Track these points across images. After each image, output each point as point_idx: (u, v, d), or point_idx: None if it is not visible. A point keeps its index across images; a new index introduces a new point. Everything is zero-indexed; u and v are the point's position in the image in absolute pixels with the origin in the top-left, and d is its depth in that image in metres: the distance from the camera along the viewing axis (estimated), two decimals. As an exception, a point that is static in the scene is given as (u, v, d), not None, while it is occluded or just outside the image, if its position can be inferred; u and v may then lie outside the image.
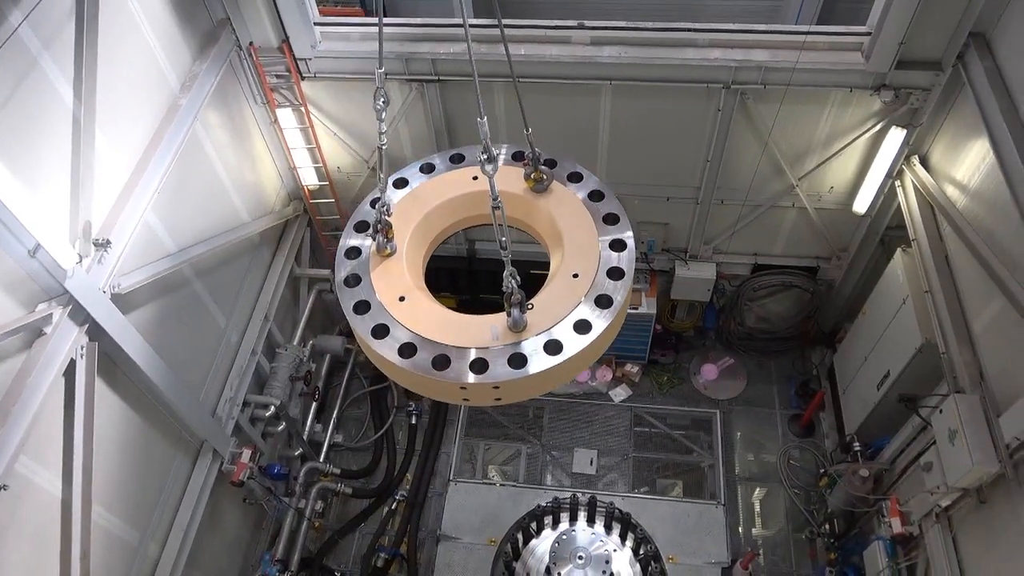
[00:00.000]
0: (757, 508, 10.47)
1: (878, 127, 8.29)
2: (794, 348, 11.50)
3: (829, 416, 10.60)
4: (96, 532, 6.28)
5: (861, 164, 8.81)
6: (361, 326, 4.15)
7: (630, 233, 4.42)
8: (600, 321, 4.04)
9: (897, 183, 8.64)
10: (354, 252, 4.48)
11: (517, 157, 4.74)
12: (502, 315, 3.99)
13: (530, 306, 4.00)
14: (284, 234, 9.99)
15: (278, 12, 7.91)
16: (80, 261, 5.86)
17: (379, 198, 4.34)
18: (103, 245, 6.07)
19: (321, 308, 11.11)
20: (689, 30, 7.97)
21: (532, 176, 4.60)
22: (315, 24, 8.24)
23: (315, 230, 10.54)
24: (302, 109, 8.83)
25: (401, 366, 3.99)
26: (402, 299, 4.22)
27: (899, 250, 8.60)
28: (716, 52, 7.92)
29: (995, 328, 6.77)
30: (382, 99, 4.16)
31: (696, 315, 11.37)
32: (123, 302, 6.46)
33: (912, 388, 8.05)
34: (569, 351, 3.94)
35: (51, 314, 5.62)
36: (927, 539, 7.36)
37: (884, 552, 7.86)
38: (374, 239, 4.37)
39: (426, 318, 4.14)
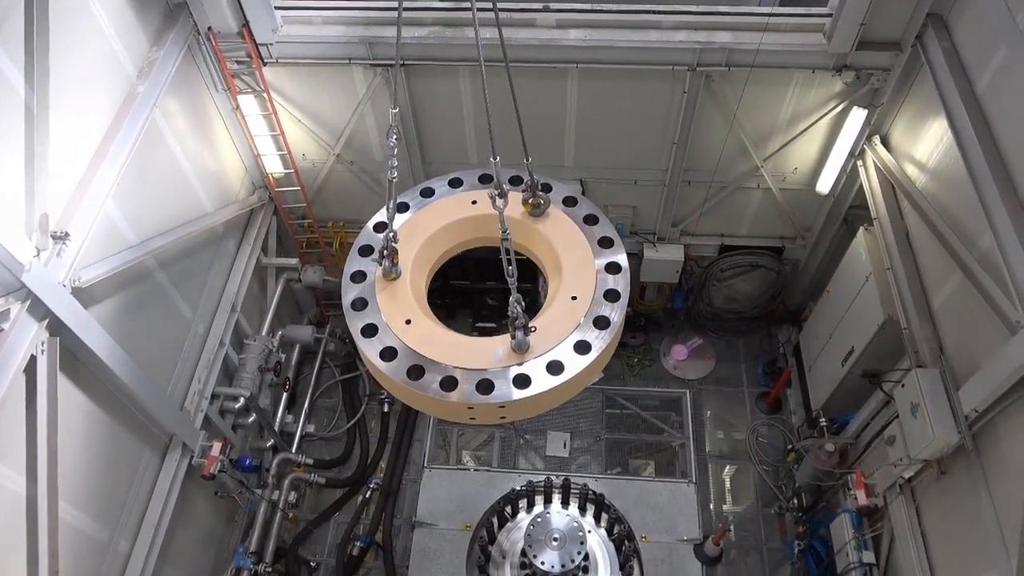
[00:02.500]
0: (727, 485, 10.66)
1: (840, 107, 8.40)
2: (761, 327, 11.68)
3: (796, 393, 10.81)
4: (64, 530, 6.15)
5: (824, 144, 8.93)
6: (370, 349, 4.28)
7: (624, 256, 4.64)
8: (599, 341, 4.23)
9: (859, 163, 8.78)
10: (359, 276, 4.61)
11: (515, 182, 4.88)
12: (506, 337, 4.18)
13: (533, 329, 4.18)
14: (249, 223, 9.83)
15: (237, -4, 7.73)
16: (38, 254, 5.69)
17: (385, 223, 4.48)
18: (61, 238, 5.91)
19: (289, 298, 10.97)
20: (654, 12, 7.98)
21: (530, 201, 4.76)
22: (276, 8, 8.05)
23: (281, 219, 10.38)
24: (264, 95, 8.66)
25: (410, 388, 4.13)
26: (408, 322, 4.36)
27: (861, 229, 8.76)
28: (680, 34, 7.95)
29: (953, 303, 6.94)
30: (395, 136, 4.32)
31: (665, 296, 11.48)
32: (84, 296, 6.31)
33: (875, 364, 8.24)
34: (571, 371, 4.13)
35: (8, 309, 5.46)
36: (891, 510, 7.58)
37: (850, 524, 8.08)
38: (380, 264, 4.52)
39: (433, 341, 4.29)
